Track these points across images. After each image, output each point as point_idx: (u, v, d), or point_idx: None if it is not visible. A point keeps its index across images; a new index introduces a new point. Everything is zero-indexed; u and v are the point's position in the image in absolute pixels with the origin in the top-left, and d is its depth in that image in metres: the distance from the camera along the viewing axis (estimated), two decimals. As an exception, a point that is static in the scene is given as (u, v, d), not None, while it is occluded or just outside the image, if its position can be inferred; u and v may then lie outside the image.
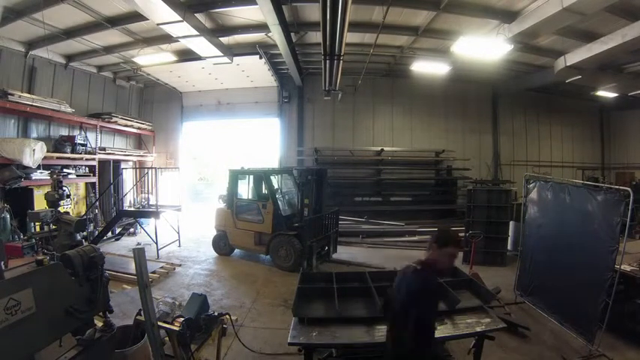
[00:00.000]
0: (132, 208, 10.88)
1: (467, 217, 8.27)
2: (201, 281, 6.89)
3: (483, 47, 7.58)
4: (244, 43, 9.40)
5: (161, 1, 6.06)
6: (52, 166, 8.65)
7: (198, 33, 7.48)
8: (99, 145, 10.84)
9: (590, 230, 4.51)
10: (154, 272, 7.03)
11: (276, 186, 8.51)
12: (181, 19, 6.75)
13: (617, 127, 15.23)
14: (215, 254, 8.65)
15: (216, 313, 3.75)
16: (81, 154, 9.85)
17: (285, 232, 7.50)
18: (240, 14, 7.81)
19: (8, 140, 8.00)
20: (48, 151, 8.54)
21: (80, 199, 10.25)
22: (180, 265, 7.82)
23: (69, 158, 9.48)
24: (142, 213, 10.07)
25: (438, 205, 13.10)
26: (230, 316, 3.86)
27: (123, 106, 13.00)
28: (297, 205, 7.78)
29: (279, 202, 7.95)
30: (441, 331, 3.09)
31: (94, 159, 10.27)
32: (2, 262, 2.21)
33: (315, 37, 8.79)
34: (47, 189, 6.87)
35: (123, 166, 12.21)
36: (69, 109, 9.47)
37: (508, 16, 7.49)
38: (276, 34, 7.52)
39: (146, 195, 11.50)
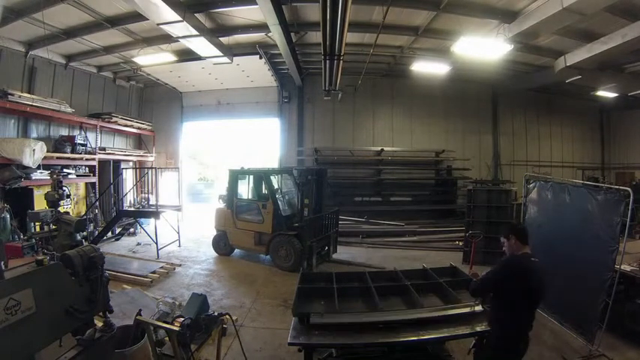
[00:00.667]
0: (132, 208, 10.89)
1: (467, 217, 8.28)
2: (201, 281, 6.90)
3: (483, 47, 7.58)
4: (244, 43, 9.40)
5: (161, 1, 6.06)
6: (52, 166, 8.65)
7: (198, 33, 7.47)
8: (99, 145, 10.83)
9: (590, 230, 4.51)
10: (154, 272, 7.04)
11: (276, 186, 8.51)
12: (181, 19, 6.75)
13: (617, 127, 15.22)
14: (215, 254, 8.65)
15: (216, 313, 3.75)
16: (81, 154, 9.84)
17: (285, 232, 7.51)
18: (240, 14, 7.81)
19: (8, 140, 7.99)
20: (48, 151, 8.53)
21: (80, 199, 10.24)
22: (180, 265, 7.82)
23: (69, 158, 9.47)
24: (142, 213, 10.08)
25: (438, 205, 13.10)
26: (230, 316, 3.86)
27: (123, 106, 13.00)
28: (297, 205, 7.79)
29: (279, 202, 7.95)
30: (441, 331, 3.09)
31: (94, 159, 10.27)
32: (2, 262, 2.21)
33: (315, 37, 8.79)
34: (47, 189, 6.86)
35: (123, 166, 12.21)
36: (69, 109, 9.47)
37: (508, 16, 7.48)
38: (276, 34, 7.52)
39: (146, 195, 11.51)
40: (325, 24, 5.85)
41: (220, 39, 8.72)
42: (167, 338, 3.21)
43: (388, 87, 13.22)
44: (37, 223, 6.54)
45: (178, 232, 9.64)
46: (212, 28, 8.33)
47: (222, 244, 8.61)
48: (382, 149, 12.81)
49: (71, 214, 8.24)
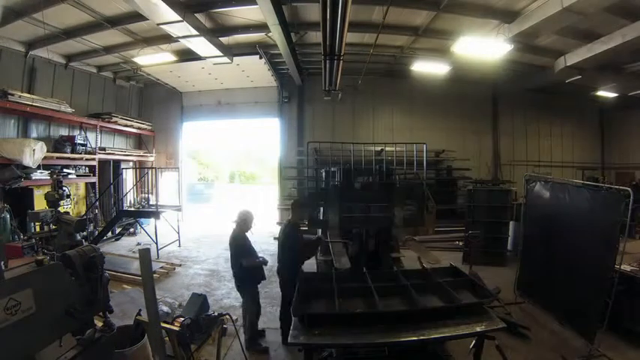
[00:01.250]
0: (132, 208, 10.89)
1: (467, 217, 8.28)
2: (201, 281, 6.90)
3: (483, 47, 7.58)
4: (244, 43, 9.40)
5: (161, 1, 6.07)
6: (52, 166, 8.66)
7: (198, 33, 7.48)
8: (99, 145, 10.83)
9: (590, 230, 4.51)
10: (154, 272, 7.02)
11: None
12: (181, 19, 6.75)
13: (617, 127, 15.21)
14: (215, 254, 8.65)
15: (216, 314, 3.75)
16: (81, 154, 9.85)
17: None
18: (240, 14, 7.80)
19: (8, 140, 8.01)
20: (48, 151, 8.54)
21: (80, 199, 10.25)
22: (180, 265, 7.83)
23: (69, 158, 9.48)
24: (142, 213, 10.08)
25: (438, 205, 13.05)
26: (230, 316, 3.86)
27: (123, 106, 13.00)
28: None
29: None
30: (441, 331, 3.08)
31: (94, 159, 10.27)
32: (2, 262, 2.21)
33: (315, 37, 8.79)
34: (47, 189, 6.86)
35: (123, 166, 12.21)
36: (69, 109, 9.47)
37: (508, 16, 7.49)
38: (276, 34, 7.52)
39: (146, 195, 11.50)
40: (325, 24, 5.84)
41: (220, 39, 8.72)
42: (167, 338, 3.20)
43: (388, 87, 13.21)
44: (37, 223, 6.54)
45: (178, 232, 9.65)
46: (212, 28, 8.33)
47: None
48: (382, 149, 12.79)
49: (71, 214, 8.23)
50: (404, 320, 3.12)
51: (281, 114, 13.35)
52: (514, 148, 14.20)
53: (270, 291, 6.42)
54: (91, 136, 10.60)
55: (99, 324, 2.78)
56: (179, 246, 9.43)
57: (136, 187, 12.23)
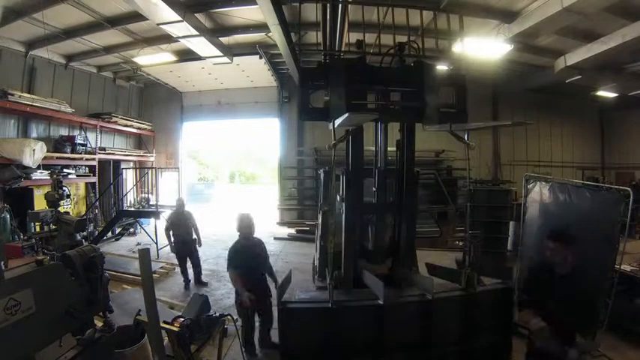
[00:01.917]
0: (132, 208, 10.89)
1: (467, 217, 8.27)
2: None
3: (483, 47, 7.59)
4: (244, 43, 9.40)
5: (161, 1, 6.07)
6: (52, 166, 8.66)
7: (198, 33, 7.48)
8: (99, 145, 10.84)
9: (590, 230, 4.50)
10: (154, 272, 7.03)
11: None
12: (181, 19, 6.76)
13: (617, 127, 15.22)
14: (215, 254, 8.65)
15: (217, 314, 3.74)
16: (81, 154, 9.85)
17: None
18: (240, 14, 7.81)
19: (8, 140, 8.01)
20: (48, 151, 8.55)
21: (80, 199, 10.25)
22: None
23: (69, 158, 9.48)
24: (142, 213, 10.09)
25: (438, 205, 13.07)
26: (232, 316, 3.86)
27: (123, 106, 13.01)
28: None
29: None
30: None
31: (94, 159, 10.27)
32: (2, 262, 2.21)
33: (315, 37, 8.78)
34: (47, 189, 6.86)
35: (123, 166, 12.21)
36: (69, 109, 9.48)
37: (508, 16, 7.48)
38: (276, 34, 7.51)
39: (146, 195, 11.51)
40: (325, 24, 5.85)
41: (220, 39, 8.72)
42: (167, 338, 3.20)
43: (388, 87, 13.21)
44: (37, 223, 6.54)
45: (178, 232, 9.63)
46: (212, 28, 8.33)
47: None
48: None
49: (71, 214, 8.23)
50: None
51: (281, 114, 13.34)
52: (514, 148, 14.20)
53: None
54: (91, 136, 10.60)
55: (99, 324, 2.78)
56: (179, 246, 9.42)
57: (136, 187, 12.23)
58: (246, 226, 4.28)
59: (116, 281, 6.22)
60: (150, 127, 13.46)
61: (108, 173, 11.30)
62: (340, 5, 5.05)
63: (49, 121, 9.73)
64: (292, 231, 11.32)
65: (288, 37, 7.91)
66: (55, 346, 2.35)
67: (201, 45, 8.22)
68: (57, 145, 9.37)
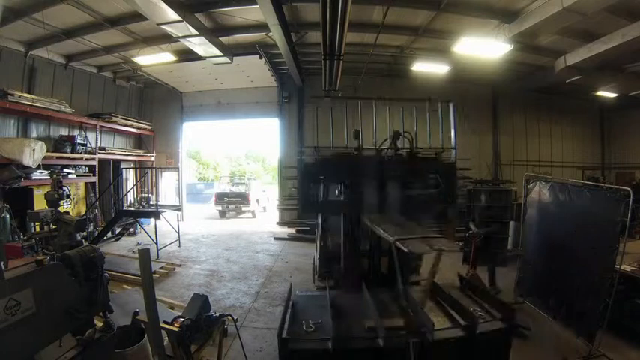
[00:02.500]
0: (132, 208, 10.89)
1: (467, 217, 8.27)
2: (201, 281, 6.90)
3: (483, 47, 7.59)
4: (244, 43, 9.40)
5: (161, 1, 6.07)
6: (52, 166, 8.66)
7: (198, 33, 7.48)
8: (99, 145, 10.83)
9: (590, 230, 4.51)
10: (154, 272, 7.03)
11: None
12: (181, 19, 6.75)
13: (617, 127, 15.22)
14: (215, 254, 8.66)
15: (217, 314, 3.75)
16: (81, 154, 9.85)
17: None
18: (240, 14, 7.81)
19: (8, 140, 8.00)
20: (48, 151, 8.54)
21: (80, 199, 10.25)
22: (180, 265, 7.82)
23: (69, 158, 9.48)
24: (141, 213, 10.08)
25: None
26: (232, 316, 3.86)
27: (123, 106, 13.00)
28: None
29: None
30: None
31: (94, 159, 10.27)
32: (2, 262, 2.21)
33: (315, 37, 8.79)
34: (47, 189, 6.85)
35: (123, 166, 12.21)
36: (69, 109, 9.47)
37: (508, 16, 7.48)
38: (276, 34, 7.52)
39: (146, 195, 11.51)
40: (325, 24, 5.85)
41: (220, 39, 8.72)
42: (167, 338, 3.20)
43: (388, 87, 13.19)
44: (37, 223, 6.53)
45: (178, 232, 9.64)
46: (212, 28, 8.34)
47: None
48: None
49: (71, 214, 8.23)
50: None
51: (281, 114, 13.34)
52: (514, 148, 14.19)
53: (270, 291, 6.43)
54: (91, 136, 10.60)
55: (99, 324, 2.78)
56: (179, 246, 9.43)
57: (136, 187, 12.24)
58: None
59: (116, 281, 6.22)
60: (150, 127, 13.46)
61: (108, 173, 11.30)
62: (340, 5, 5.05)
63: (49, 121, 9.72)
64: (292, 231, 11.33)
65: (288, 37, 7.92)
66: (55, 346, 2.34)
67: (201, 45, 8.22)
68: (57, 145, 9.37)
